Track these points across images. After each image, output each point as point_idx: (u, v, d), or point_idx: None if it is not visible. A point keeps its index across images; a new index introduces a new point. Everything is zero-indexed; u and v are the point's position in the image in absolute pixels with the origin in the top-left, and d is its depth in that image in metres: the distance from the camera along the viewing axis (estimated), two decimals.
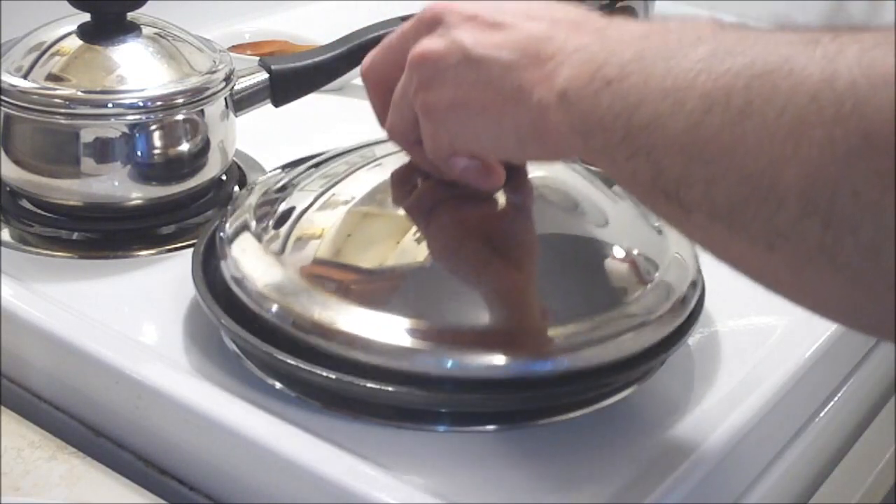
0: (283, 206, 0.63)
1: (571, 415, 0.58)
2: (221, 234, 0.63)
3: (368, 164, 0.65)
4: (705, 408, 0.59)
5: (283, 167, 0.69)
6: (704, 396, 0.60)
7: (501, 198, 0.61)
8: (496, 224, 0.61)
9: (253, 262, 0.60)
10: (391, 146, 0.65)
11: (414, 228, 0.59)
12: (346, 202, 0.62)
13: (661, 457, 0.55)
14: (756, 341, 0.65)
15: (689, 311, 0.60)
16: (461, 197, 0.60)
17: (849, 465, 0.76)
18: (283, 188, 0.65)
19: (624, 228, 0.63)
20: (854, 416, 0.75)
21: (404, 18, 0.82)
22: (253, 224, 0.62)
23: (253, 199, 0.65)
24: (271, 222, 0.62)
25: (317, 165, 0.67)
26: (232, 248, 0.61)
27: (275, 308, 0.57)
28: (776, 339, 0.65)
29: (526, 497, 0.53)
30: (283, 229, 0.61)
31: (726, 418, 0.57)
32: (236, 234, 0.62)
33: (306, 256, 0.59)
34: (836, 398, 0.70)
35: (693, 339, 0.64)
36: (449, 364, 0.55)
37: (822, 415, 0.68)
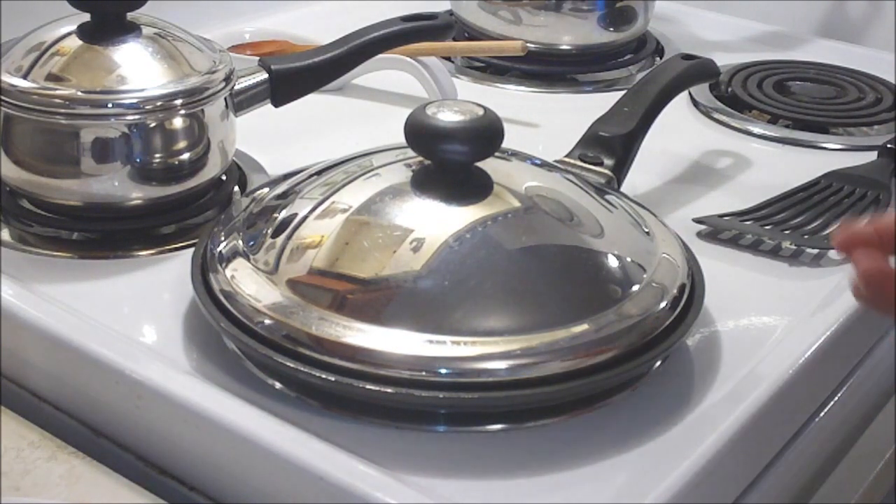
0: (276, 217, 0.63)
1: (571, 415, 0.58)
2: (212, 247, 0.63)
3: (365, 173, 0.65)
4: (705, 408, 0.59)
5: (275, 180, 0.69)
6: (704, 396, 0.60)
7: (495, 205, 0.61)
8: (491, 231, 0.61)
9: (244, 278, 0.60)
10: (389, 156, 0.65)
11: (409, 237, 0.59)
12: (343, 211, 0.62)
13: (661, 457, 0.55)
14: (756, 341, 0.65)
15: (684, 309, 0.61)
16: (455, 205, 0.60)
17: (849, 465, 0.76)
18: (278, 198, 0.65)
19: (617, 234, 0.64)
20: (854, 416, 0.75)
21: (404, 19, 0.83)
22: (243, 240, 0.62)
23: (244, 213, 0.65)
24: (263, 234, 0.62)
25: (313, 175, 0.67)
26: (223, 264, 0.61)
27: (267, 321, 0.57)
28: (776, 339, 0.66)
29: (526, 497, 0.53)
30: (277, 241, 0.61)
31: (726, 418, 0.57)
32: (228, 249, 0.62)
33: (299, 268, 0.59)
34: (835, 398, 0.70)
35: (693, 339, 0.64)
36: (448, 366, 0.55)
37: (822, 415, 0.68)
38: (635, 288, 0.60)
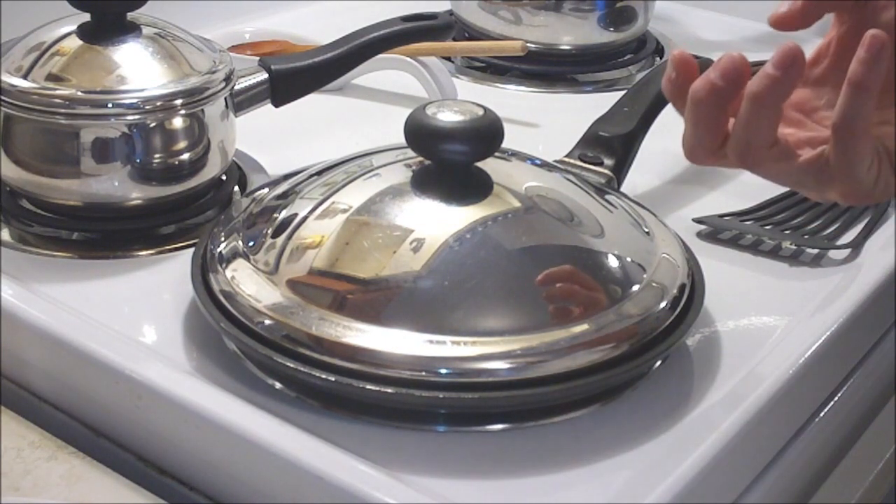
0: (276, 217, 0.63)
1: (571, 415, 0.58)
2: (212, 248, 0.63)
3: (365, 173, 0.65)
4: (705, 408, 0.59)
5: (275, 181, 0.69)
6: (704, 396, 0.60)
7: (495, 205, 0.61)
8: (491, 231, 0.61)
9: (244, 279, 0.60)
10: (389, 156, 0.65)
11: (410, 238, 0.59)
12: (343, 212, 0.62)
13: (661, 457, 0.55)
14: (756, 341, 0.65)
15: (684, 309, 0.61)
16: (455, 205, 0.61)
17: (849, 465, 0.76)
18: (278, 198, 0.65)
19: (617, 234, 0.64)
20: (854, 417, 0.75)
21: (404, 19, 0.83)
22: (243, 240, 0.62)
23: (244, 214, 0.65)
24: (263, 234, 0.62)
25: (313, 176, 0.67)
26: (223, 265, 0.61)
27: (267, 322, 0.57)
28: (776, 339, 0.66)
29: (525, 497, 0.53)
30: (277, 241, 0.61)
31: (726, 418, 0.57)
32: (228, 249, 0.62)
33: (299, 268, 0.59)
34: (835, 398, 0.70)
35: (693, 339, 0.64)
36: (448, 366, 0.55)
37: (822, 415, 0.68)
38: (635, 288, 0.60)
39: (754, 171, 0.55)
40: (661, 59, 1.10)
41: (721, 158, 0.56)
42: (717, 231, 0.77)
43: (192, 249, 0.65)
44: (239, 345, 0.59)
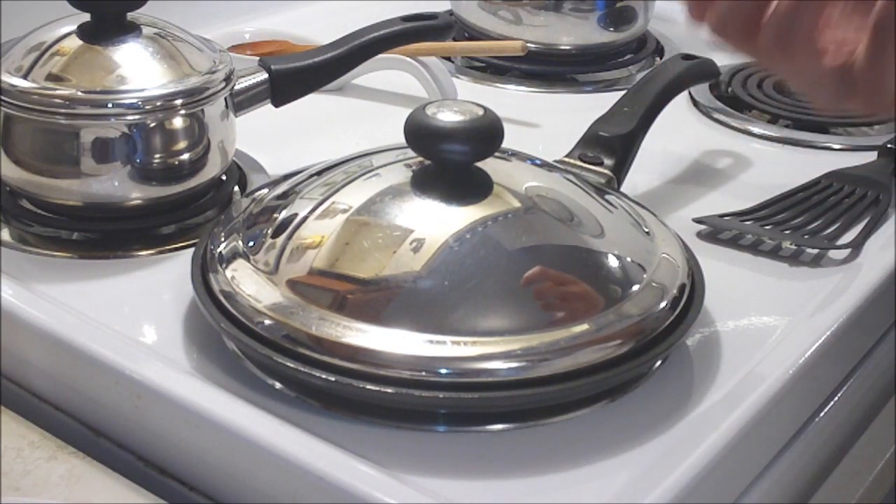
0: (276, 217, 0.63)
1: (571, 415, 0.58)
2: (212, 248, 0.63)
3: (365, 173, 0.65)
4: (705, 408, 0.59)
5: (275, 181, 0.69)
6: (704, 396, 0.60)
7: (495, 205, 0.61)
8: (491, 231, 0.61)
9: (244, 279, 0.60)
10: (389, 156, 0.65)
11: (410, 238, 0.59)
12: (343, 212, 0.62)
13: (661, 457, 0.55)
14: (756, 341, 0.65)
15: (684, 309, 0.61)
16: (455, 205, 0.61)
17: (849, 465, 0.76)
18: (278, 198, 0.65)
19: (617, 234, 0.64)
20: (854, 417, 0.75)
21: (404, 19, 0.83)
22: (243, 240, 0.62)
23: (244, 214, 0.65)
24: (263, 234, 0.62)
25: (313, 176, 0.67)
26: (223, 265, 0.61)
27: (267, 322, 0.57)
28: (776, 339, 0.66)
29: (526, 497, 0.53)
30: (277, 241, 0.61)
31: (726, 418, 0.57)
32: (228, 249, 0.62)
33: (299, 268, 0.59)
34: (835, 398, 0.70)
35: (693, 339, 0.64)
36: (448, 366, 0.55)
37: (822, 415, 0.68)
38: (635, 288, 0.60)
39: (780, 63, 0.55)
40: (660, 59, 1.10)
41: (746, 43, 0.55)
42: (717, 231, 0.77)
43: (192, 249, 0.65)
44: (239, 345, 0.59)
